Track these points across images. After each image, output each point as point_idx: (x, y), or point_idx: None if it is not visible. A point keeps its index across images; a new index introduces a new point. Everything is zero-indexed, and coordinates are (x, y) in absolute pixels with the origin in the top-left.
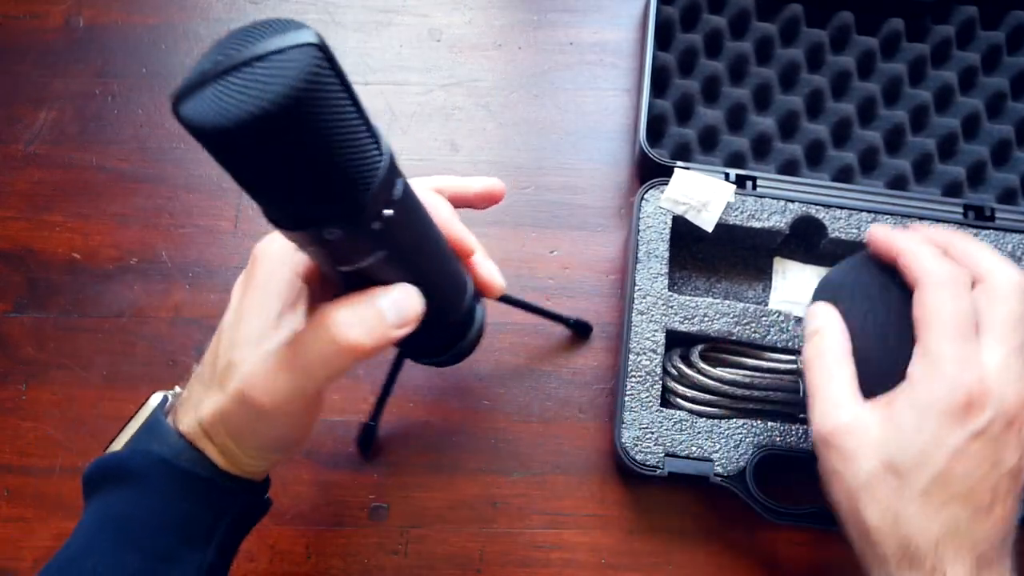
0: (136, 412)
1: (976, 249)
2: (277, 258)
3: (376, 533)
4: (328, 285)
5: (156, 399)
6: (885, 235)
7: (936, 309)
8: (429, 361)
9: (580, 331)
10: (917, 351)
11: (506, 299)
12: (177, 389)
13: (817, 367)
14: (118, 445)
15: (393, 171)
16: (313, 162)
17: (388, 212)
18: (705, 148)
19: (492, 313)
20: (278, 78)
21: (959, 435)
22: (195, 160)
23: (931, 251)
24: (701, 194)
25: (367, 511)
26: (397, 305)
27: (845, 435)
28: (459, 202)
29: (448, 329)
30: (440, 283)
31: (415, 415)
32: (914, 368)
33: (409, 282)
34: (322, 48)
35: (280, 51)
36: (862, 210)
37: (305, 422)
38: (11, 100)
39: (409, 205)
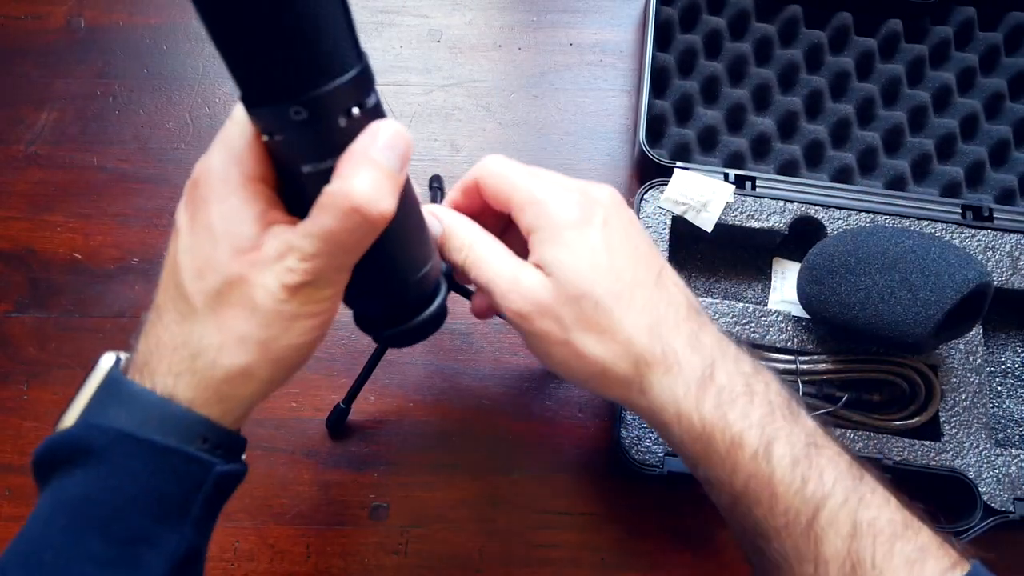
0: (85, 379)
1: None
2: (223, 169)
3: (376, 533)
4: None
5: (108, 360)
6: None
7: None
8: (387, 335)
9: None
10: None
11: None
12: (122, 354)
13: (475, 252)
14: (69, 420)
15: (367, 79)
16: (299, 18)
17: (356, 112)
18: (705, 148)
19: None
20: None
21: (595, 231)
22: (196, 160)
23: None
24: (701, 194)
25: (367, 511)
26: (390, 147)
27: (518, 284)
28: (473, 209)
29: (407, 291)
30: (402, 226)
31: (415, 415)
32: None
33: None
34: None
35: None
36: (861, 210)
37: (333, 310)
38: (12, 101)
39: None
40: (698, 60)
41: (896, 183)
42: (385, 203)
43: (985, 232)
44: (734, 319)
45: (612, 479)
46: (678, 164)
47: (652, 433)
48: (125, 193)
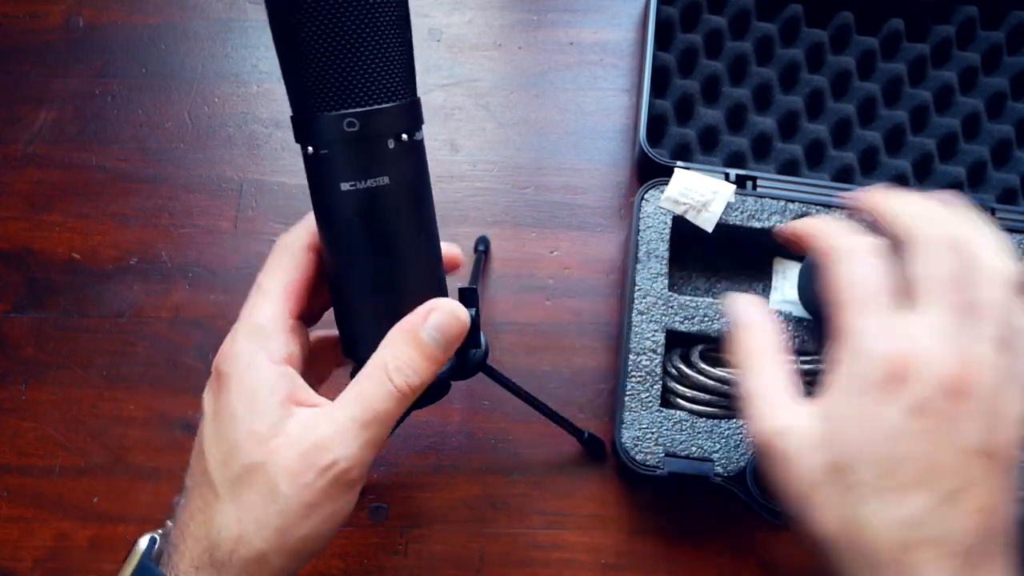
0: (125, 560)
1: (901, 209)
2: (246, 352)
3: (376, 533)
4: (310, 368)
5: (143, 543)
6: (789, 228)
7: (846, 283)
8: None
9: (592, 449)
10: (838, 337)
11: (523, 396)
12: (169, 524)
13: (747, 367)
14: None
15: (419, 113)
16: (379, 30)
17: (404, 138)
18: (705, 148)
19: (492, 313)
20: None
21: (892, 412)
22: (195, 160)
23: (837, 227)
24: (701, 194)
25: (367, 511)
26: (440, 327)
27: (782, 439)
28: None
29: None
30: (424, 254)
31: (415, 415)
32: (836, 355)
33: (394, 233)
34: None
35: None
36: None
37: (359, 489)
38: (11, 100)
39: (420, 160)
40: (699, 59)
41: (898, 183)
42: (415, 381)
43: None
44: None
45: (612, 480)
46: (679, 164)
47: (652, 433)
48: (124, 193)
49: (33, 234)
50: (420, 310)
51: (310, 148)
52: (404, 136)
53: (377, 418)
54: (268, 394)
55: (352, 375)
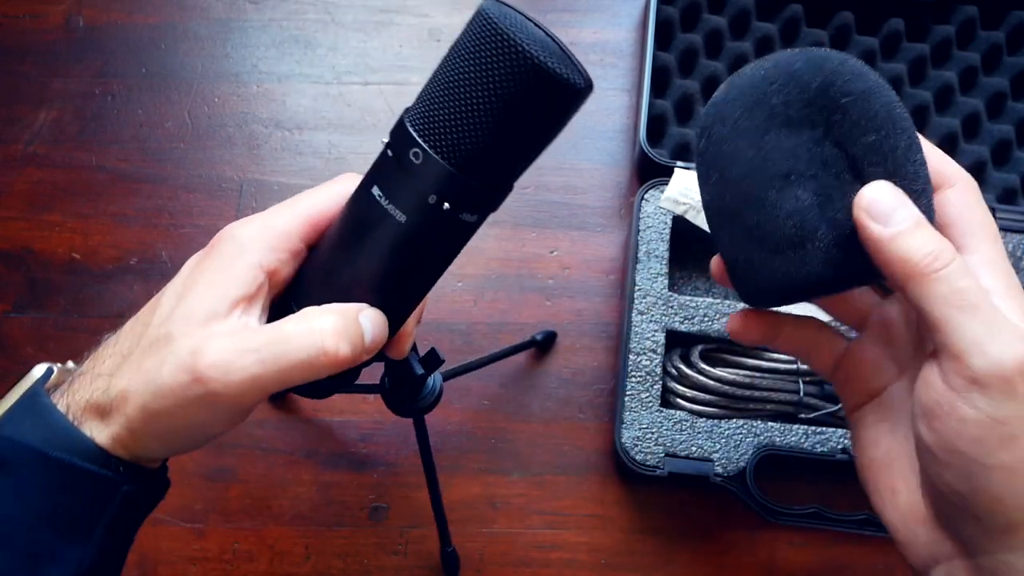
0: (15, 385)
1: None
2: (243, 244)
3: (376, 533)
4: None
5: (39, 370)
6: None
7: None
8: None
9: (545, 346)
10: None
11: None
12: (70, 364)
13: (953, 261)
14: None
15: (470, 196)
16: (513, 118)
17: (446, 206)
18: None
19: (492, 313)
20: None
21: None
22: (195, 160)
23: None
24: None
25: (367, 511)
26: (375, 328)
27: None
28: None
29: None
30: (399, 306)
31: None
32: None
33: (389, 272)
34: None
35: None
36: None
37: (238, 420)
38: (11, 100)
39: (446, 235)
40: (699, 59)
41: None
42: (333, 350)
43: None
44: None
45: (612, 480)
46: (678, 164)
47: (652, 433)
48: (124, 193)
49: (33, 234)
50: (356, 304)
51: (384, 140)
52: (446, 204)
53: (277, 364)
54: (230, 287)
55: (289, 294)
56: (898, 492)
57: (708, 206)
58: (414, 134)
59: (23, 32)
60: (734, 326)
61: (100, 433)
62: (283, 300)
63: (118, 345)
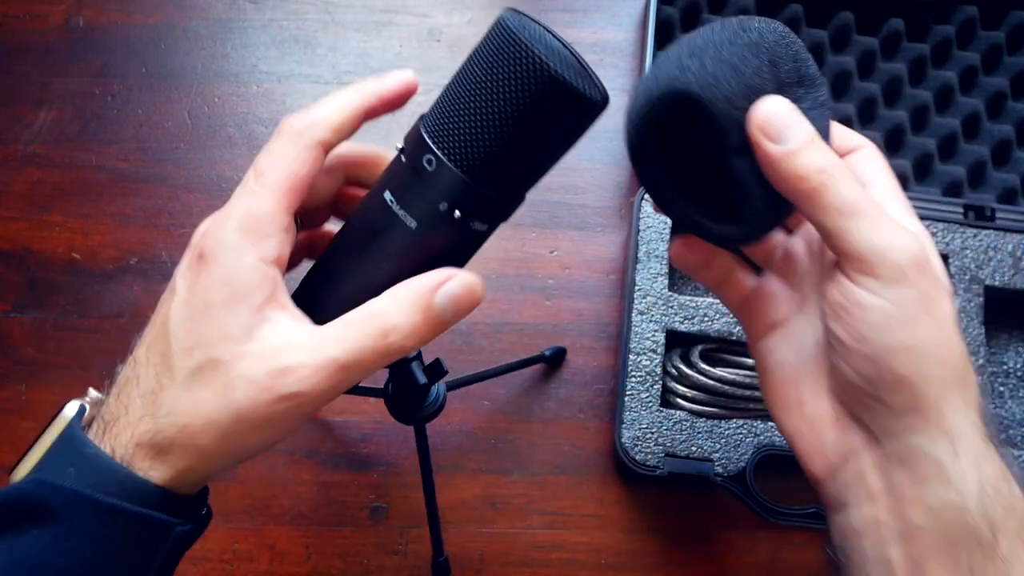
0: (47, 427)
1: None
2: (233, 245)
3: (376, 533)
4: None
5: (71, 409)
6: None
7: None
8: None
9: (554, 361)
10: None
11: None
12: (93, 394)
13: (843, 174)
14: (25, 468)
15: (482, 204)
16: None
17: (457, 214)
18: None
19: (492, 313)
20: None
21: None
22: (195, 160)
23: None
24: None
25: (367, 511)
26: (452, 298)
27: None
28: (378, 110)
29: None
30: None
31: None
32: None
33: (398, 278)
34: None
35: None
36: None
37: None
38: (11, 100)
39: (464, 243)
40: None
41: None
42: (409, 344)
43: (987, 232)
44: (734, 319)
45: (612, 480)
46: None
47: (652, 433)
48: (124, 193)
49: (33, 234)
50: (435, 275)
51: (399, 145)
52: (457, 212)
53: (357, 367)
54: (250, 294)
55: (296, 302)
56: (804, 402)
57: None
58: (428, 141)
59: (23, 32)
60: (675, 251)
61: (158, 472)
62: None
63: (139, 386)
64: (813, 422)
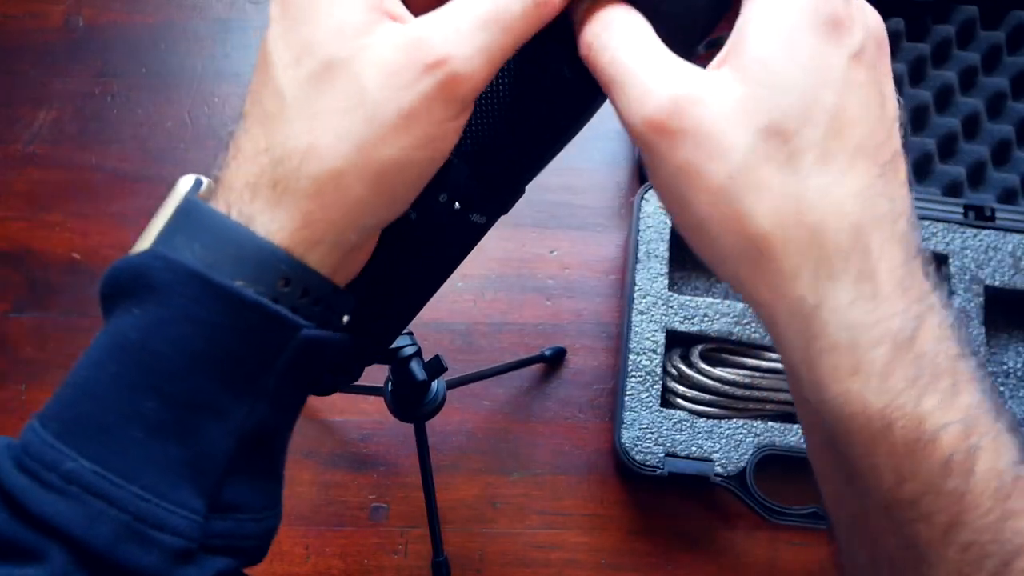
0: (164, 202)
1: None
2: None
3: (376, 533)
4: None
5: (186, 183)
6: None
7: None
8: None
9: (554, 361)
10: None
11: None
12: (215, 172)
13: (609, 38)
14: (143, 245)
15: (481, 200)
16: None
17: (456, 205)
18: None
19: (492, 313)
20: None
21: (840, 56)
22: (195, 160)
23: None
24: None
25: (367, 511)
26: None
27: (692, 107)
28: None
29: (359, 340)
30: (404, 308)
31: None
32: (748, 12)
33: (396, 269)
34: None
35: None
36: None
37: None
38: (10, 100)
39: (463, 235)
40: None
41: None
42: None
43: (987, 232)
44: (734, 319)
45: (612, 480)
46: None
47: (652, 433)
48: (124, 193)
49: (33, 234)
50: None
51: None
52: (456, 204)
53: (500, 21)
54: None
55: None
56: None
57: None
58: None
59: (23, 32)
60: None
61: (278, 224)
62: None
63: (252, 119)
64: None
